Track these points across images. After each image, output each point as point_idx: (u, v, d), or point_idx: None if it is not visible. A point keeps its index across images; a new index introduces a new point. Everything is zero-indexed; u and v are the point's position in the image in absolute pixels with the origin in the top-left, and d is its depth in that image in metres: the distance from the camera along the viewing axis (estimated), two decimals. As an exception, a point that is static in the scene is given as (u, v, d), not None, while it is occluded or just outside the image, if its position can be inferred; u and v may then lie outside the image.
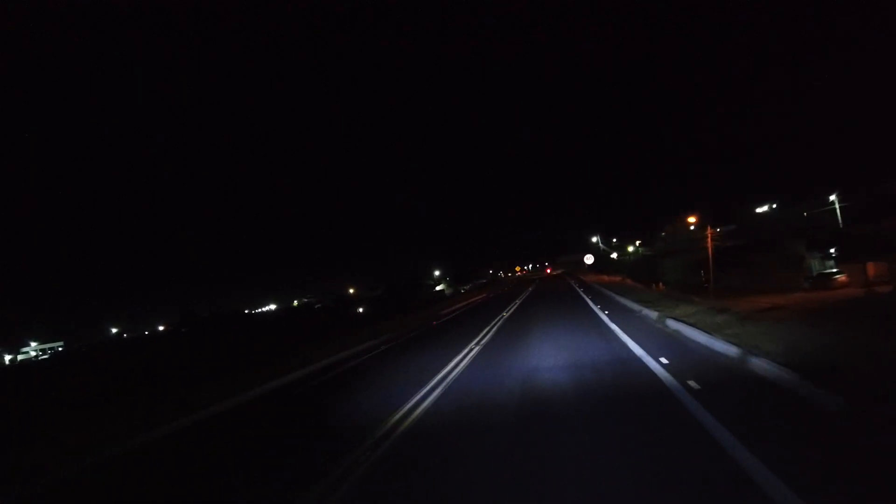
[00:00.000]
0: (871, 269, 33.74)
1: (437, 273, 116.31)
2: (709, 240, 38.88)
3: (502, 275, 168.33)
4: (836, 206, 62.10)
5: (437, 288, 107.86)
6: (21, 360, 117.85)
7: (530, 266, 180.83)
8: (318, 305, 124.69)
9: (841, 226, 56.97)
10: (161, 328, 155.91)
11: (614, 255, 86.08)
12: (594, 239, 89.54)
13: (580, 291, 30.42)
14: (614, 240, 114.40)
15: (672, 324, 13.92)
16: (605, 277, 37.43)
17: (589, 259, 49.52)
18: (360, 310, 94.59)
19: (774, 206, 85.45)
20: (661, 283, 36.01)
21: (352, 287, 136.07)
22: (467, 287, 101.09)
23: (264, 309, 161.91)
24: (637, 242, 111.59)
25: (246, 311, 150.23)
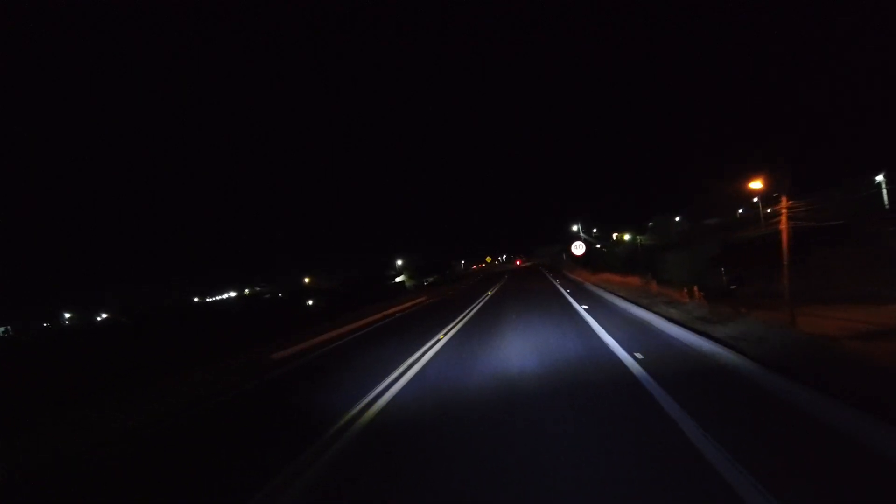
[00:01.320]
0: None
1: (399, 263, 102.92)
2: (783, 218, 23.26)
3: (477, 266, 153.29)
4: (884, 188, 48.18)
5: (398, 279, 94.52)
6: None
7: (503, 257, 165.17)
8: (267, 296, 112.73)
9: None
10: (105, 315, 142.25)
11: (597, 246, 71.48)
12: (575, 227, 74.00)
13: (587, 317, 12.71)
14: (595, 230, 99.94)
15: None
16: (615, 277, 22.38)
17: (578, 248, 34.21)
18: (310, 302, 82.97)
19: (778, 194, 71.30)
20: (696, 289, 20.08)
21: (307, 277, 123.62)
22: (430, 280, 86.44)
23: (223, 297, 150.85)
24: (615, 235, 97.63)
25: (196, 300, 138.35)
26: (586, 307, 14.22)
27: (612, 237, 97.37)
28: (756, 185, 22.74)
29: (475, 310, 18.28)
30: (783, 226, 22.69)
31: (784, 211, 22.61)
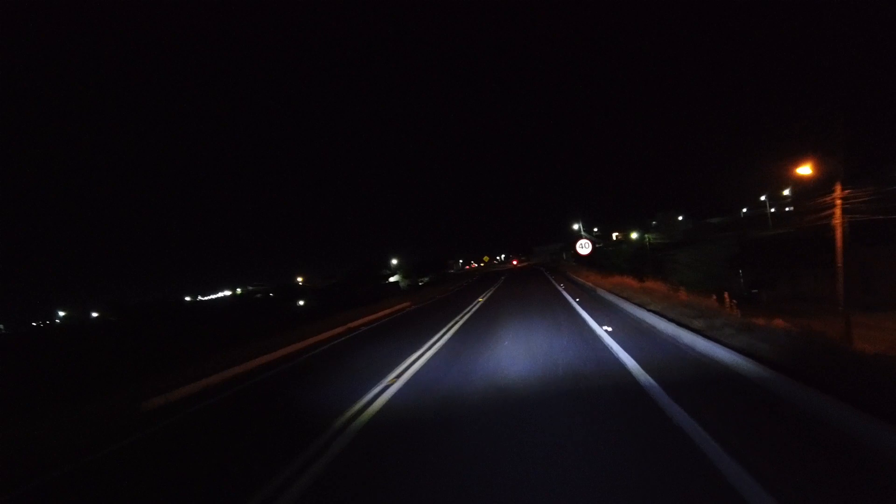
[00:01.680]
0: None
1: (394, 262, 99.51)
2: (837, 211, 19.33)
3: (472, 265, 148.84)
4: (912, 183, 44.40)
5: (392, 279, 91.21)
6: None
7: (502, 256, 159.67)
8: (259, 295, 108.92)
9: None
10: (95, 315, 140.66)
11: (598, 245, 67.82)
12: (576, 226, 70.37)
13: (621, 355, 7.39)
14: (595, 229, 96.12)
15: None
16: (630, 281, 18.19)
17: (584, 247, 30.10)
18: (301, 303, 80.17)
19: (787, 193, 67.10)
20: (727, 295, 15.75)
21: (301, 277, 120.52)
22: (425, 280, 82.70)
23: (217, 295, 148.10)
24: (615, 234, 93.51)
25: (188, 299, 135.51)
26: (609, 329, 9.52)
27: (611, 236, 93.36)
28: (804, 170, 18.60)
29: (461, 322, 14.17)
30: (837, 220, 18.70)
31: (838, 202, 18.62)
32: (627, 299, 13.18)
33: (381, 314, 19.98)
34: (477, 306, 18.63)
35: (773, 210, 72.11)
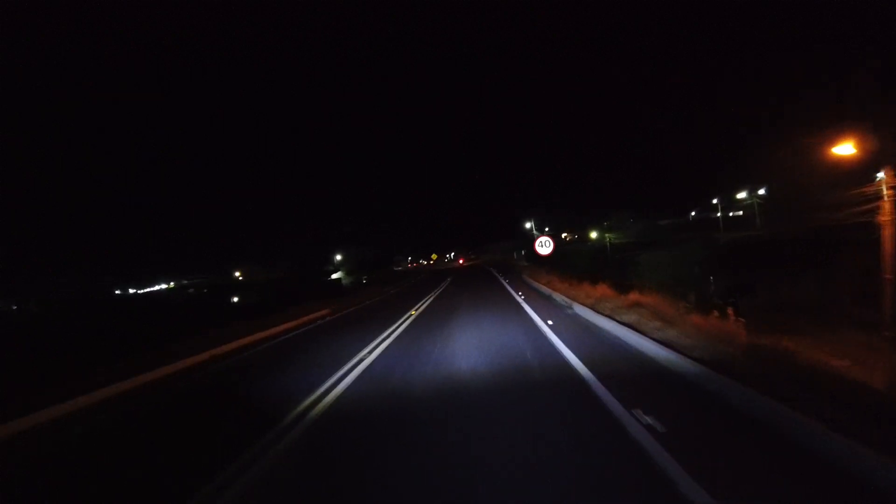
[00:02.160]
0: None
1: (338, 258, 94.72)
2: (886, 206, 14.13)
3: (415, 264, 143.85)
4: None
5: (334, 276, 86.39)
6: None
7: (452, 254, 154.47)
8: (192, 290, 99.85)
9: None
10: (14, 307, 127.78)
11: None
12: (528, 225, 65.97)
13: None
14: (546, 228, 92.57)
15: None
16: (603, 290, 13.09)
17: (544, 246, 24.99)
18: (236, 299, 74.00)
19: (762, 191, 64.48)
20: (731, 311, 10.05)
21: (240, 271, 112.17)
22: (366, 279, 78.09)
23: (154, 289, 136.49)
24: (564, 235, 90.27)
25: (118, 292, 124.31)
26: (663, 431, 4.24)
27: (561, 236, 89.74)
28: (844, 149, 14.19)
29: (378, 351, 8.75)
30: (886, 217, 14.24)
31: (888, 193, 14.22)
32: (632, 327, 8.02)
33: (283, 327, 14.25)
34: (410, 319, 13.26)
35: (731, 212, 70.08)
